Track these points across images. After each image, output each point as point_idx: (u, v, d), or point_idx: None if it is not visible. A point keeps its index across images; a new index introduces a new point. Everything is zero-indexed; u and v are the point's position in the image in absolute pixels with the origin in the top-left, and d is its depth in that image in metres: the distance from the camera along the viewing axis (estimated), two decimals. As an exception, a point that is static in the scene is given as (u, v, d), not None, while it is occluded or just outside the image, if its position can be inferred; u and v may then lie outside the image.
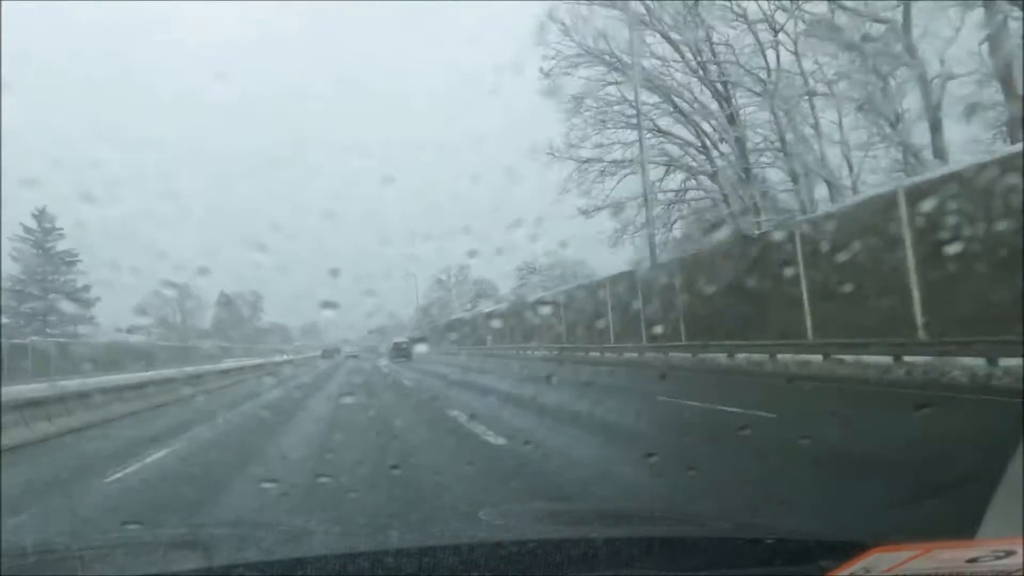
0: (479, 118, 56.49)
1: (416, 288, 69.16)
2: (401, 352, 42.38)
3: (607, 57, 27.79)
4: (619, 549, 1.75)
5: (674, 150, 28.79)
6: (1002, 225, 11.43)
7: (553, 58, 27.63)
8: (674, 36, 26.66)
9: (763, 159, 27.76)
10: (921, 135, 21.12)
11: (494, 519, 2.66)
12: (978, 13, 18.19)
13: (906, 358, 13.46)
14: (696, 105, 27.48)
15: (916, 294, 13.98)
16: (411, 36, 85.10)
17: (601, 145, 28.81)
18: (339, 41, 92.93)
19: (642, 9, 26.78)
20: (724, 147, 27.49)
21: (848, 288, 14.84)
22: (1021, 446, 1.73)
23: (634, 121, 26.91)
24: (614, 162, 28.97)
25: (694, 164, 28.44)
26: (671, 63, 27.46)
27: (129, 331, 56.20)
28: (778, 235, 18.89)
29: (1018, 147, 12.70)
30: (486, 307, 58.74)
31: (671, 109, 28.07)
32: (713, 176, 27.46)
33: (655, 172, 28.21)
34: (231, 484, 7.10)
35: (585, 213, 28.86)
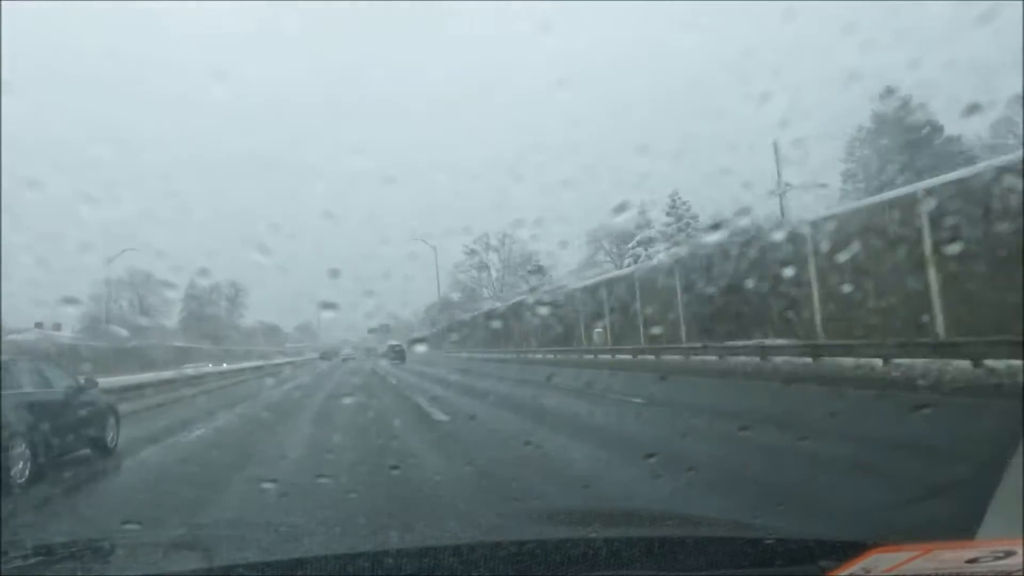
0: (479, 117, 56.52)
1: (436, 268, 51.71)
2: (396, 354, 45.02)
3: None
4: (619, 549, 1.75)
5: None
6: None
7: None
8: None
9: None
10: None
11: (493, 519, 2.67)
12: None
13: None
14: None
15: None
16: (410, 36, 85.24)
17: None
18: (339, 41, 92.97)
19: None
20: None
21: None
22: (1021, 446, 1.73)
23: None
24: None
25: None
26: None
27: (52, 327, 42.68)
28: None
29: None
30: (546, 288, 43.79)
31: None
32: None
33: None
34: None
35: None
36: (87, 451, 9.25)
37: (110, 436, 9.84)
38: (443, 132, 76.50)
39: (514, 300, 44.52)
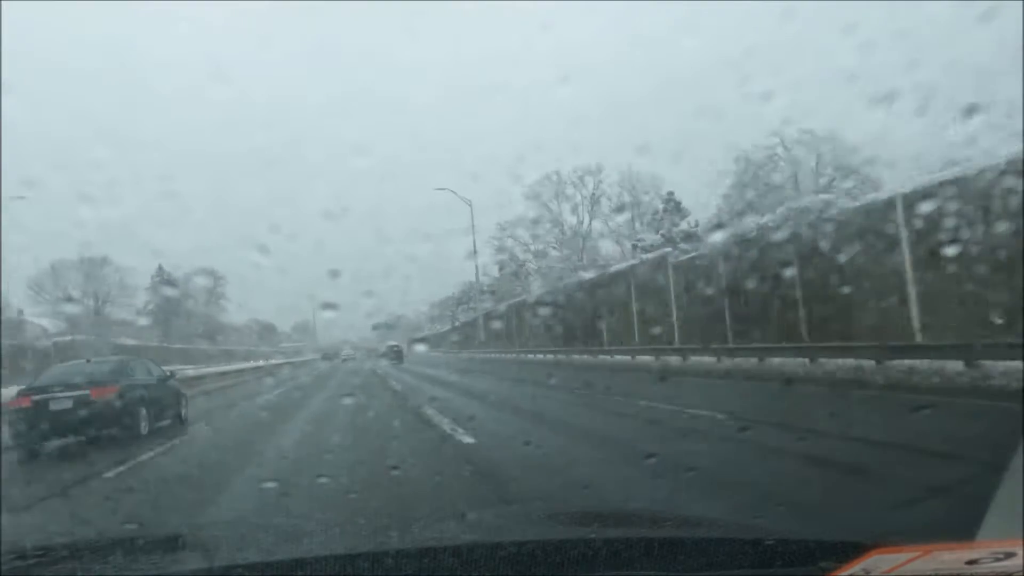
0: (479, 116, 56.32)
1: (472, 228, 36.85)
2: (395, 354, 46.12)
3: None
4: (619, 550, 1.75)
5: None
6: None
7: None
8: None
9: None
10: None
11: (493, 519, 2.66)
12: None
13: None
14: None
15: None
16: (411, 34, 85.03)
17: None
18: (340, 40, 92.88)
19: None
20: None
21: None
22: (1021, 447, 1.73)
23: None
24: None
25: None
26: None
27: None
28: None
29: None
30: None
31: None
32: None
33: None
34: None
35: None
36: (169, 421, 13.11)
37: (183, 412, 14.09)
38: (443, 131, 76.26)
39: (651, 255, 25.38)
